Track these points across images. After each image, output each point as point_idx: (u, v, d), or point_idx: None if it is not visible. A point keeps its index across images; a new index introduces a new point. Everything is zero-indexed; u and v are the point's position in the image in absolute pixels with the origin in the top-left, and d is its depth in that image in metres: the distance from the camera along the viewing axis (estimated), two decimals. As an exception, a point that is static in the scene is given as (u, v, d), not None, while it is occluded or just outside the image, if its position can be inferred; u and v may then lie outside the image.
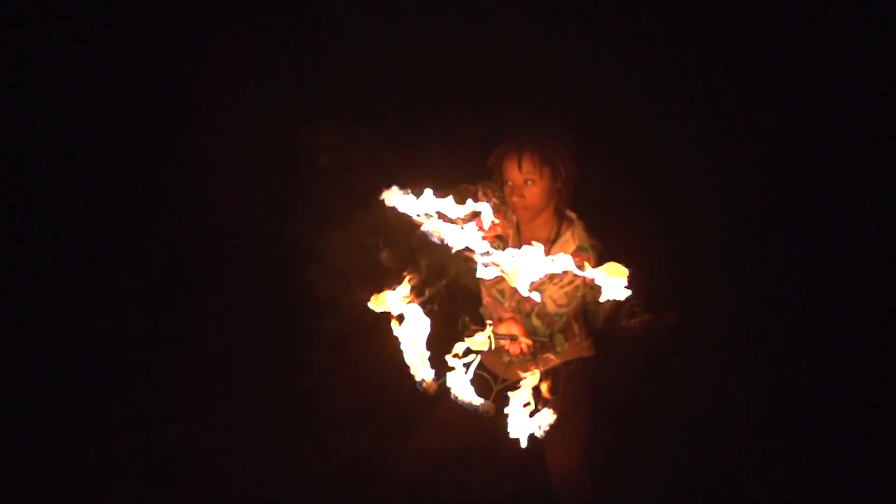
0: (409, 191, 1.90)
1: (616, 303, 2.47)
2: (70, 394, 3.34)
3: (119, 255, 3.39)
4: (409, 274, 2.06)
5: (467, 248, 1.89)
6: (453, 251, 1.88)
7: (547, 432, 2.51)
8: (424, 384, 2.03)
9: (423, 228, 1.89)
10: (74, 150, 3.31)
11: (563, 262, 1.88)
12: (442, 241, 1.88)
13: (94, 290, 3.40)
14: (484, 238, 1.92)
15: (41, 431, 3.25)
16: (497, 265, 1.90)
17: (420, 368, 2.03)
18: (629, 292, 1.88)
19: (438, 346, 2.12)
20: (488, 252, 1.89)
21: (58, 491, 3.07)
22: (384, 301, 2.03)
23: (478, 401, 2.07)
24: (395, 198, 1.91)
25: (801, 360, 3.43)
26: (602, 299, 1.91)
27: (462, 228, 1.90)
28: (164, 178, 3.33)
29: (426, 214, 1.90)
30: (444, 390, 2.07)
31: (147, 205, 3.37)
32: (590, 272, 1.89)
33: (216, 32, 3.21)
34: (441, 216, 1.92)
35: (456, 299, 2.63)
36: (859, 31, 3.25)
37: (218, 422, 3.35)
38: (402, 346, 2.03)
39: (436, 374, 2.04)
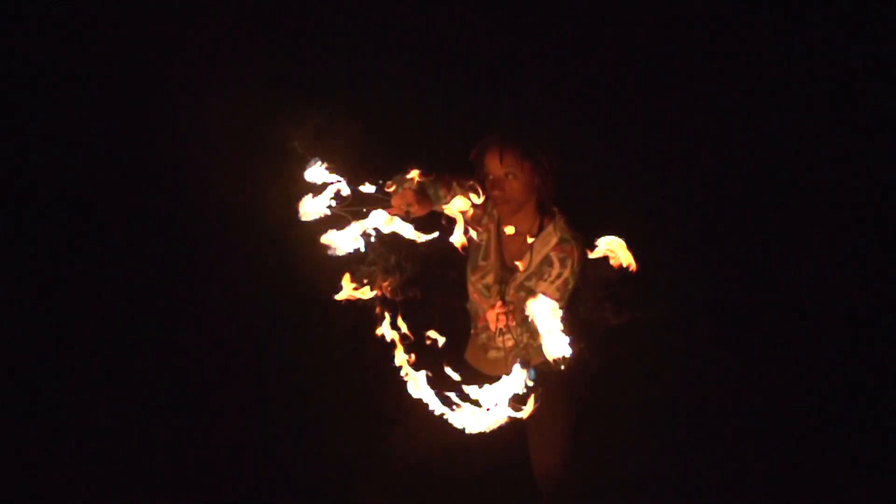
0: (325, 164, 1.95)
1: (604, 293, 2.47)
2: (64, 395, 3.36)
3: (109, 254, 3.40)
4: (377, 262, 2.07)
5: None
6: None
7: (531, 432, 2.51)
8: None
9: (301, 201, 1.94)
10: (62, 149, 3.32)
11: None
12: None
13: (84, 290, 3.41)
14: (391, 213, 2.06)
15: (36, 432, 3.28)
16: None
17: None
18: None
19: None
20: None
21: (53, 491, 3.09)
22: (352, 292, 2.03)
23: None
24: (313, 172, 1.96)
25: (792, 357, 3.41)
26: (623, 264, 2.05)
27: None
28: (155, 174, 3.33)
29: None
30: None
31: (139, 204, 3.37)
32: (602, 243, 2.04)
33: (197, 25, 3.22)
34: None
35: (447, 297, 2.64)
36: (856, 31, 3.23)
37: (209, 421, 3.36)
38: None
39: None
